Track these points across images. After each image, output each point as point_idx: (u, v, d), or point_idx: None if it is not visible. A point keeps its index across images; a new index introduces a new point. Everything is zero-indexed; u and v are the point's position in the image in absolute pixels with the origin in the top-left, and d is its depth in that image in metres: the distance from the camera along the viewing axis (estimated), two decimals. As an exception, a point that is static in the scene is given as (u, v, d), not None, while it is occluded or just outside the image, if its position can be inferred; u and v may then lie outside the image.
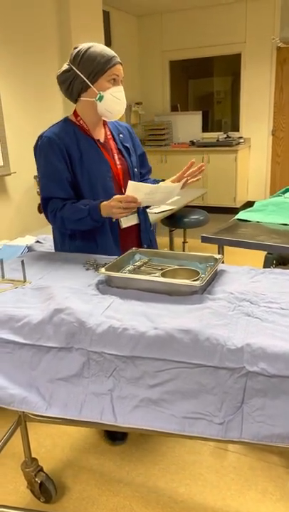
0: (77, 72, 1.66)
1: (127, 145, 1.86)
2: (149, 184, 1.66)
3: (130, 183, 1.58)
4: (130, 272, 1.49)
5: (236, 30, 6.07)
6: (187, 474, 1.91)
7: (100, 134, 1.81)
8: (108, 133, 1.84)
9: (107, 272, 1.42)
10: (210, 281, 1.39)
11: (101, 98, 1.66)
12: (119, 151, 1.83)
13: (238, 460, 1.98)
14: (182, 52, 6.48)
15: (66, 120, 1.79)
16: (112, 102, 1.68)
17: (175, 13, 6.31)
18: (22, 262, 1.52)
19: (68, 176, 1.71)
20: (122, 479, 1.90)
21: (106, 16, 5.53)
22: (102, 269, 1.43)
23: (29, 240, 2.61)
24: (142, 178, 1.97)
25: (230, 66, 6.41)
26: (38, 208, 4.44)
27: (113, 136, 1.85)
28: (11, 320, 1.24)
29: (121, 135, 1.87)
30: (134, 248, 1.65)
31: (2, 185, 4.03)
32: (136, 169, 1.87)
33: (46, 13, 4.34)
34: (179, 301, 1.29)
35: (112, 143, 1.83)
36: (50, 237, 2.58)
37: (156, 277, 1.42)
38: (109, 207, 1.61)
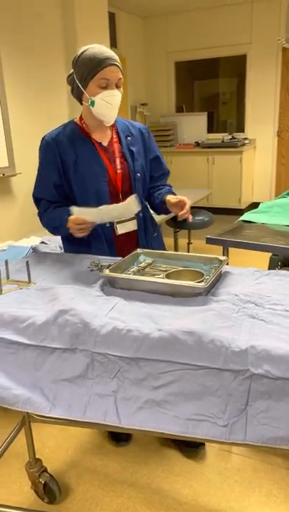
0: (74, 76, 1.66)
1: (133, 149, 1.79)
2: (92, 209, 1.59)
3: (74, 209, 1.56)
4: (134, 273, 1.49)
5: (242, 31, 6.07)
6: (191, 476, 1.91)
7: (104, 137, 1.78)
8: (114, 136, 1.79)
9: (111, 273, 1.42)
10: (214, 283, 1.39)
11: (92, 103, 1.64)
12: (123, 155, 1.78)
13: (242, 462, 1.97)
14: (188, 54, 6.48)
15: (70, 122, 1.80)
16: (103, 107, 1.64)
17: (180, 14, 6.31)
18: (27, 262, 1.52)
19: (57, 180, 1.75)
20: (125, 480, 1.90)
21: (111, 17, 5.55)
22: (107, 271, 1.43)
23: (34, 240, 2.62)
24: (155, 182, 1.92)
25: (236, 67, 6.40)
26: (43, 208, 4.45)
27: (120, 139, 1.80)
28: (16, 321, 1.25)
29: (129, 138, 1.80)
30: (138, 249, 1.64)
31: (7, 186, 4.04)
32: (139, 174, 1.80)
33: (51, 14, 4.35)
34: (183, 302, 1.29)
35: (116, 146, 1.78)
36: (55, 238, 2.59)
37: (160, 279, 1.42)
38: (69, 225, 1.62)
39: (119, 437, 2.10)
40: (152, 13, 6.31)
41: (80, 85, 1.64)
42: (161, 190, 1.89)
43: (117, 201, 1.74)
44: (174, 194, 1.85)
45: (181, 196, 1.75)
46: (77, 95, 1.70)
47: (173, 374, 1.11)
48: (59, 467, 1.98)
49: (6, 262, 1.57)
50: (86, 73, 1.60)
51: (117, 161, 1.76)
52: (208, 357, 1.08)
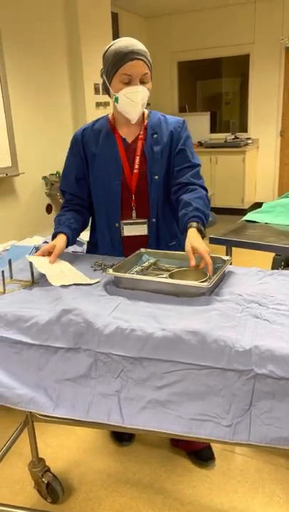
0: (102, 72, 1.62)
1: (155, 148, 1.66)
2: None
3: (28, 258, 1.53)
4: (138, 273, 1.48)
5: (245, 31, 6.06)
6: (194, 476, 1.90)
7: (130, 133, 1.69)
8: (142, 132, 1.68)
9: (114, 273, 1.41)
10: (218, 283, 1.38)
11: (116, 99, 1.58)
12: (144, 154, 1.67)
13: (245, 462, 1.97)
14: (190, 53, 6.48)
15: (104, 117, 1.76)
16: (126, 104, 1.57)
17: (183, 14, 6.31)
18: (30, 262, 1.52)
19: (79, 173, 1.73)
20: (128, 480, 1.90)
21: (114, 17, 5.55)
22: (110, 270, 1.42)
23: (37, 240, 2.62)
24: (180, 177, 1.66)
25: (239, 67, 6.40)
26: (47, 208, 4.46)
27: (146, 136, 1.68)
28: (19, 320, 1.25)
29: (155, 135, 1.67)
30: (142, 249, 1.63)
31: (10, 186, 4.05)
32: (156, 176, 1.66)
33: (54, 14, 4.36)
34: (187, 302, 1.28)
35: (140, 144, 1.67)
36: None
37: (163, 278, 1.41)
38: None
39: (121, 437, 2.10)
40: (155, 13, 6.30)
41: (106, 81, 1.59)
42: (188, 210, 1.55)
43: (130, 201, 1.68)
44: (198, 217, 1.54)
45: (203, 251, 1.40)
46: (107, 91, 1.64)
47: (176, 374, 1.11)
48: (62, 467, 1.98)
49: (10, 262, 1.57)
50: (110, 68, 1.55)
51: (137, 159, 1.67)
52: (212, 357, 1.07)
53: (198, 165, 1.71)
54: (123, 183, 1.68)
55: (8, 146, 3.85)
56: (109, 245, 1.75)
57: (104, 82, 1.62)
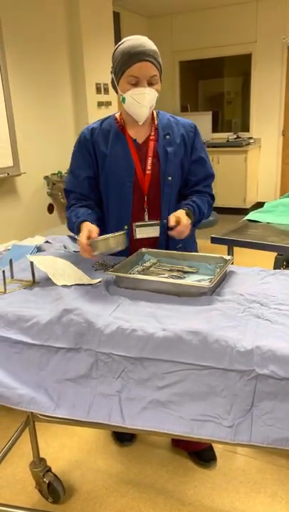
0: (111, 71, 1.60)
1: (169, 149, 1.64)
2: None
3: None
4: (139, 272, 1.48)
5: (247, 30, 6.05)
6: (195, 477, 1.90)
7: (141, 134, 1.66)
8: (152, 133, 1.66)
9: (116, 273, 1.41)
10: (220, 283, 1.38)
11: (123, 100, 1.56)
12: (156, 155, 1.64)
13: (247, 463, 1.96)
14: (192, 53, 6.47)
15: (110, 116, 1.72)
16: (133, 105, 1.55)
17: (185, 13, 6.30)
18: (31, 262, 1.52)
19: (90, 173, 1.69)
20: (130, 480, 1.90)
21: (116, 16, 5.54)
22: (111, 270, 1.42)
23: (38, 240, 2.61)
24: (195, 186, 1.72)
25: (241, 66, 6.39)
26: (48, 208, 4.46)
27: (158, 136, 1.66)
28: (20, 320, 1.24)
29: (168, 136, 1.65)
30: (143, 249, 1.62)
31: (12, 186, 4.05)
32: (170, 178, 1.64)
33: (56, 13, 4.36)
34: (188, 302, 1.28)
35: (151, 144, 1.65)
36: (60, 237, 2.59)
37: (165, 278, 1.41)
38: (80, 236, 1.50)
39: (123, 437, 2.10)
40: (157, 12, 6.30)
41: (114, 79, 1.58)
42: (184, 202, 1.67)
43: (142, 203, 1.66)
44: (192, 206, 1.65)
45: (183, 220, 1.55)
46: (115, 89, 1.62)
47: (178, 374, 1.10)
48: (63, 467, 1.98)
49: (11, 262, 1.57)
50: (117, 69, 1.53)
51: (149, 160, 1.64)
52: (213, 357, 1.07)
53: (213, 175, 1.77)
54: (135, 184, 1.65)
55: (10, 145, 3.85)
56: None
57: (112, 80, 1.61)
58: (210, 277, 1.43)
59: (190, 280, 1.42)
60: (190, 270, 1.49)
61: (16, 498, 1.84)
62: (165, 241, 1.70)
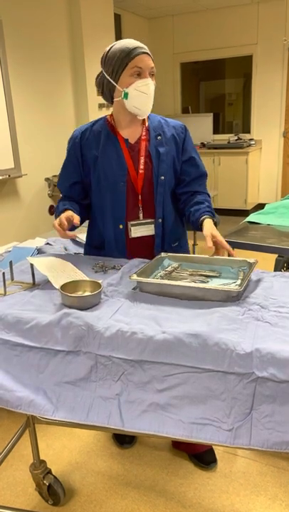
0: (104, 73, 1.61)
1: (161, 149, 1.67)
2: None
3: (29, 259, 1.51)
4: (162, 277, 1.45)
5: (248, 32, 6.06)
6: (196, 479, 1.90)
7: (133, 134, 1.69)
8: (144, 133, 1.69)
9: (139, 278, 1.38)
10: (247, 287, 1.34)
11: (126, 95, 1.57)
12: (149, 155, 1.67)
13: (248, 465, 1.96)
14: (193, 55, 6.48)
15: (102, 118, 1.74)
16: (138, 97, 1.57)
17: (186, 15, 6.31)
18: (31, 264, 1.52)
19: (75, 177, 1.74)
20: (130, 483, 1.89)
21: (117, 18, 5.56)
22: (134, 275, 1.38)
23: (39, 242, 2.62)
24: (189, 186, 1.73)
25: (242, 68, 6.39)
26: (49, 210, 4.47)
27: (149, 137, 1.69)
28: (19, 322, 1.24)
29: (159, 137, 1.69)
30: (162, 253, 1.60)
31: (13, 188, 4.05)
32: (163, 177, 1.67)
33: (57, 16, 4.37)
34: (188, 305, 1.28)
35: (143, 144, 1.67)
36: (61, 239, 2.59)
37: (194, 283, 1.38)
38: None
39: (123, 440, 2.09)
40: (158, 14, 6.31)
41: (111, 80, 1.59)
42: (201, 207, 1.66)
43: (136, 202, 1.68)
44: (211, 213, 1.65)
45: (222, 239, 1.54)
46: (108, 92, 1.64)
47: (177, 377, 1.10)
48: (63, 469, 1.98)
49: (11, 264, 1.57)
50: (118, 65, 1.55)
51: (141, 160, 1.66)
52: (213, 360, 1.07)
53: (206, 174, 1.79)
54: (129, 184, 1.67)
55: (11, 147, 3.86)
56: (113, 247, 1.73)
57: (104, 84, 1.62)
58: (234, 281, 1.42)
59: (214, 284, 1.40)
60: (212, 274, 1.48)
61: (16, 500, 1.84)
62: (161, 239, 1.72)
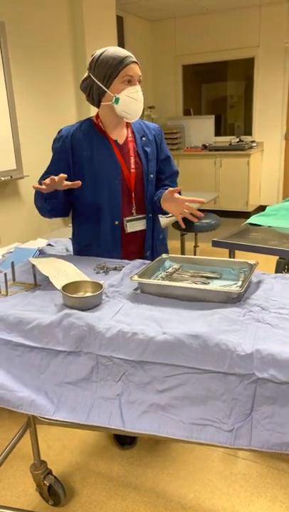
0: (94, 78, 1.68)
1: (148, 149, 1.81)
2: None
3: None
4: (163, 279, 1.46)
5: (250, 35, 6.07)
6: (196, 480, 1.90)
7: (120, 136, 1.79)
8: (130, 135, 1.81)
9: (140, 279, 1.38)
10: (248, 288, 1.35)
11: (117, 100, 1.66)
12: (138, 155, 1.79)
13: (248, 467, 1.96)
14: (195, 57, 6.49)
15: (87, 120, 1.81)
16: (129, 103, 1.67)
17: (188, 17, 6.32)
18: (33, 265, 1.53)
19: (65, 174, 1.72)
20: (130, 484, 1.90)
21: (119, 20, 5.57)
22: (135, 277, 1.39)
23: (41, 243, 2.63)
24: (162, 183, 1.88)
25: (244, 70, 6.40)
26: (50, 211, 4.46)
27: (135, 138, 1.81)
28: (21, 323, 1.25)
29: (144, 138, 1.82)
30: (163, 255, 1.62)
31: (15, 189, 4.06)
32: (152, 175, 1.82)
33: (60, 18, 4.38)
34: (189, 306, 1.28)
35: (131, 145, 1.79)
36: (62, 240, 2.60)
37: (194, 284, 1.38)
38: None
39: (124, 441, 2.10)
40: (160, 16, 6.32)
41: (101, 85, 1.66)
42: (164, 189, 1.81)
43: (130, 199, 1.77)
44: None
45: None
46: (97, 96, 1.71)
47: (178, 378, 1.10)
48: (64, 469, 1.98)
49: (12, 264, 1.58)
50: (110, 71, 1.63)
51: (132, 160, 1.77)
52: (214, 361, 1.07)
53: (178, 172, 1.96)
54: (122, 183, 1.76)
55: (13, 148, 3.87)
56: (110, 243, 1.78)
57: (96, 88, 1.68)
58: (235, 282, 1.43)
59: (214, 285, 1.40)
60: (213, 276, 1.49)
61: (16, 501, 1.84)
62: (151, 233, 1.87)
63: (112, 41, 4.84)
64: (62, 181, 1.54)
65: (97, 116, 1.79)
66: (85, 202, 1.78)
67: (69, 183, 1.56)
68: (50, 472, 1.82)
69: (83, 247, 1.84)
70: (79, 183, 1.58)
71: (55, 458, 2.05)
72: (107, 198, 1.74)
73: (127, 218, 1.79)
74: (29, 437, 1.78)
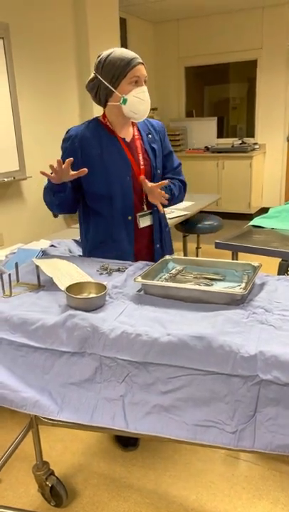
0: (101, 79, 1.70)
1: (154, 146, 1.86)
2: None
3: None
4: (167, 280, 1.47)
5: (253, 37, 6.07)
6: (198, 482, 1.90)
7: (127, 134, 1.83)
8: (136, 133, 1.85)
9: (144, 281, 1.39)
10: (251, 290, 1.35)
11: (125, 101, 1.69)
12: (145, 151, 1.84)
13: (250, 469, 1.96)
14: (198, 59, 6.50)
15: (94, 119, 1.84)
16: (136, 103, 1.70)
17: (191, 19, 6.33)
18: (37, 266, 1.53)
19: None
20: (132, 485, 1.90)
21: (123, 22, 5.58)
22: (139, 278, 1.39)
23: (44, 243, 2.64)
24: (166, 175, 1.95)
25: (246, 72, 6.41)
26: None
27: (141, 136, 1.85)
28: (25, 323, 1.25)
29: (150, 135, 1.87)
30: (167, 256, 1.63)
31: (18, 190, 4.07)
32: (159, 171, 1.87)
33: (63, 20, 4.39)
34: (193, 307, 1.28)
35: (138, 142, 1.83)
36: (65, 241, 2.61)
37: (198, 286, 1.39)
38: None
39: (127, 442, 2.10)
40: (163, 18, 6.33)
41: (109, 86, 1.69)
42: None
43: (140, 195, 1.81)
44: (166, 188, 1.82)
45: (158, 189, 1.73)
46: (104, 97, 1.74)
47: (181, 379, 1.11)
48: (66, 470, 1.98)
49: (16, 265, 1.58)
50: (118, 72, 1.66)
51: (140, 156, 1.82)
52: (217, 362, 1.07)
53: (181, 164, 2.01)
54: (133, 179, 1.80)
55: (16, 149, 3.88)
56: (125, 239, 1.82)
57: (103, 89, 1.71)
58: (238, 284, 1.43)
59: (218, 287, 1.41)
60: (217, 277, 1.49)
61: (18, 501, 1.84)
62: (159, 227, 1.92)
63: (116, 43, 4.85)
64: (68, 167, 1.58)
65: (104, 115, 1.81)
66: (98, 199, 1.80)
67: (75, 172, 1.61)
68: (52, 473, 1.82)
69: (98, 244, 1.85)
70: (85, 170, 1.62)
71: (57, 459, 2.05)
72: (119, 195, 1.77)
73: (140, 213, 1.83)
74: (31, 438, 1.78)
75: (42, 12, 4.11)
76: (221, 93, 6.98)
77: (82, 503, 1.82)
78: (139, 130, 1.86)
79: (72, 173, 1.60)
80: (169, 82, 6.73)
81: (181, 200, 1.99)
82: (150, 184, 1.75)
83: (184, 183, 1.98)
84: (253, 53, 6.15)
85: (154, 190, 1.74)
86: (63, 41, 4.43)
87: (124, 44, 5.61)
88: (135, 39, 6.06)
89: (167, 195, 1.75)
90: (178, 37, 6.53)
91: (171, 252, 1.97)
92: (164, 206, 1.87)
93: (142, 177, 1.76)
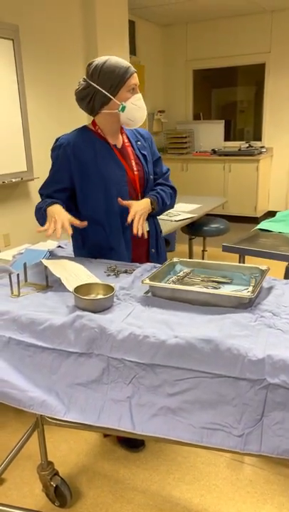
0: (97, 87, 1.69)
1: (145, 153, 1.88)
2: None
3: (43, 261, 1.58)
4: (174, 283, 1.47)
5: (261, 40, 6.07)
6: (202, 485, 1.89)
7: (118, 141, 1.84)
8: (126, 140, 1.86)
9: (152, 283, 1.39)
10: (258, 294, 1.35)
11: (123, 108, 1.71)
12: (137, 157, 1.85)
13: (254, 473, 1.95)
14: (206, 62, 6.50)
15: (84, 127, 1.85)
16: (134, 111, 1.72)
17: (199, 23, 6.34)
18: (45, 266, 1.54)
19: (66, 184, 1.80)
20: (136, 487, 1.90)
21: (131, 25, 5.59)
22: (147, 280, 1.39)
23: (51, 244, 2.65)
24: (156, 181, 1.95)
25: (254, 76, 6.40)
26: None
27: (131, 143, 1.87)
28: (33, 324, 1.26)
29: (139, 142, 1.89)
30: (174, 258, 1.63)
31: (25, 190, 4.09)
32: (151, 176, 1.89)
33: (73, 22, 4.41)
34: (200, 310, 1.28)
35: (129, 149, 1.85)
36: (72, 242, 2.61)
37: (207, 289, 1.39)
38: (49, 216, 1.64)
39: (134, 443, 2.09)
40: (172, 21, 6.35)
41: (107, 94, 1.68)
42: (151, 192, 1.88)
43: (137, 200, 1.80)
44: (156, 196, 1.84)
45: (138, 216, 1.71)
46: (99, 105, 1.72)
47: (189, 381, 1.11)
48: (70, 471, 1.98)
49: (25, 265, 1.59)
50: (117, 80, 1.67)
51: (133, 163, 1.83)
52: (225, 365, 1.07)
53: (169, 169, 2.03)
54: (129, 185, 1.81)
55: (24, 151, 3.90)
56: (123, 246, 1.81)
57: (100, 96, 1.70)
58: (245, 287, 1.43)
59: (226, 290, 1.41)
60: (224, 280, 1.49)
61: (22, 501, 1.85)
62: (155, 232, 1.94)
63: (124, 46, 4.86)
64: (68, 225, 1.59)
65: (94, 124, 1.81)
66: (94, 207, 1.79)
67: (77, 222, 1.64)
68: (56, 473, 1.83)
69: (96, 255, 1.82)
70: (85, 223, 1.67)
71: (62, 459, 2.05)
72: (116, 202, 1.76)
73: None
74: (36, 438, 1.79)
75: (51, 14, 4.14)
76: (229, 96, 6.98)
77: (86, 504, 1.82)
78: (128, 137, 1.88)
79: (72, 223, 1.62)
80: (176, 85, 6.74)
81: (172, 207, 1.99)
82: (131, 213, 1.71)
83: (174, 190, 1.99)
84: (261, 57, 6.15)
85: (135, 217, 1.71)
86: (72, 43, 4.45)
87: (132, 47, 5.62)
88: (143, 42, 6.07)
89: (146, 230, 1.79)
90: (186, 40, 6.54)
91: (165, 258, 1.94)
92: (156, 215, 1.92)
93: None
